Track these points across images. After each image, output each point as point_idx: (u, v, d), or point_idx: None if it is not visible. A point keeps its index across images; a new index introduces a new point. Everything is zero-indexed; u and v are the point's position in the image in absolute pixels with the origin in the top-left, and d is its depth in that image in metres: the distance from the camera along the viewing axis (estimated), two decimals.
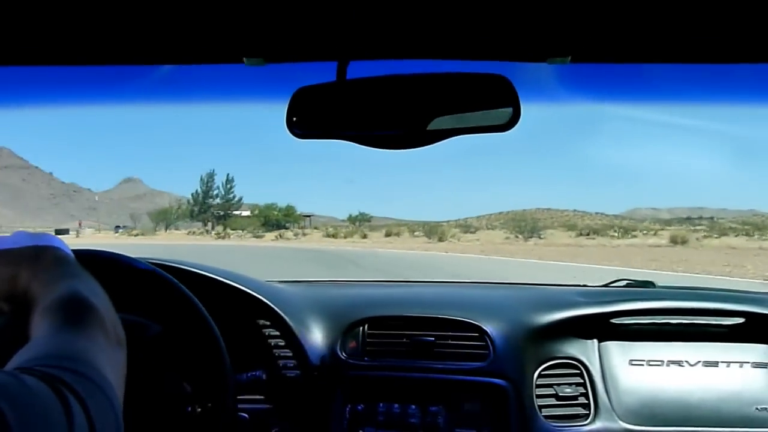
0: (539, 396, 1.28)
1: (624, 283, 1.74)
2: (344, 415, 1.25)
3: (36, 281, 0.58)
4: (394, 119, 0.88)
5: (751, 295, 1.51)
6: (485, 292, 1.73)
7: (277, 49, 0.90)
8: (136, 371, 0.56)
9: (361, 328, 1.34)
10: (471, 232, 41.92)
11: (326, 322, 1.36)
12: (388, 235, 39.47)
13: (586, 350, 1.34)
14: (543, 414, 1.26)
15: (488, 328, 1.32)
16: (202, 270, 1.28)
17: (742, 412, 1.25)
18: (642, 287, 1.69)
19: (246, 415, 1.17)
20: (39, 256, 0.61)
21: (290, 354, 1.27)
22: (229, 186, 62.77)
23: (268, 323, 1.29)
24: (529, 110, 0.89)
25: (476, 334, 1.32)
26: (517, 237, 36.20)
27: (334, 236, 39.38)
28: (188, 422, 0.92)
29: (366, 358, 1.31)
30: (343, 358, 1.30)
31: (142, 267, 0.96)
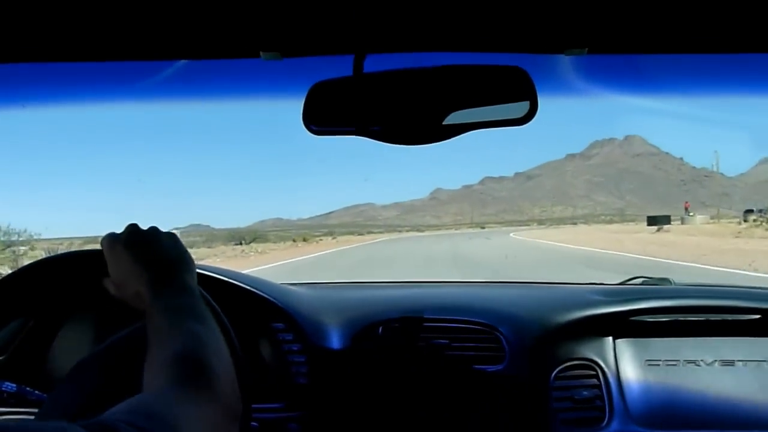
0: (555, 399, 1.26)
1: (641, 280, 1.73)
2: (357, 421, 1.25)
3: (157, 312, 0.59)
4: (411, 113, 0.87)
5: (767, 291, 1.49)
6: (500, 292, 1.72)
7: (293, 43, 0.89)
8: None
9: (374, 332, 1.33)
10: None
11: (340, 326, 1.34)
12: None
13: (602, 351, 1.32)
14: (559, 418, 1.24)
15: (504, 330, 1.30)
16: (213, 272, 1.26)
17: (760, 413, 1.23)
18: (659, 284, 1.67)
19: (256, 424, 1.15)
20: (166, 281, 0.63)
21: (303, 360, 1.25)
22: None
23: (281, 327, 1.27)
24: (545, 102, 0.89)
25: (491, 337, 1.30)
26: None
27: None
28: None
29: (380, 363, 1.29)
30: (356, 362, 1.29)
31: None
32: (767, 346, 1.31)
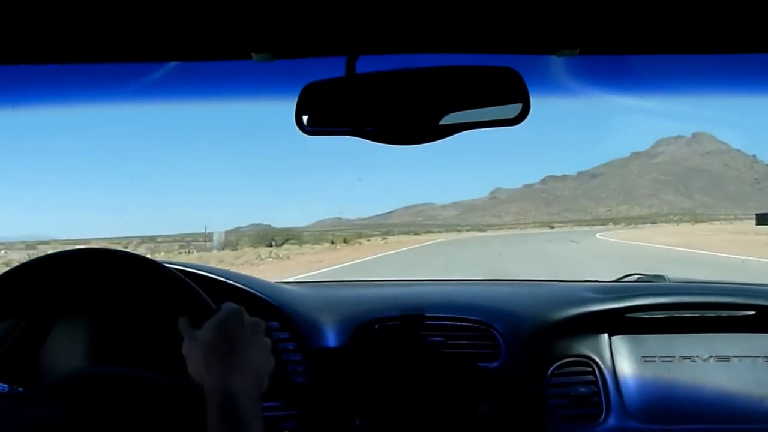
0: (552, 396, 1.27)
1: (635, 277, 1.74)
2: (353, 419, 1.24)
3: (222, 416, 0.65)
4: (403, 114, 0.88)
5: (760, 288, 1.50)
6: (496, 290, 1.72)
7: (285, 44, 0.90)
8: None
9: (370, 330, 1.33)
10: None
11: (335, 324, 1.34)
12: None
13: (598, 347, 1.33)
14: (556, 415, 1.25)
15: (499, 327, 1.31)
16: (209, 272, 1.27)
17: (755, 408, 1.24)
18: (653, 281, 1.68)
19: None
20: (245, 388, 0.67)
21: (299, 358, 1.26)
22: None
23: (276, 325, 1.27)
24: (538, 103, 0.89)
25: (486, 334, 1.31)
26: None
27: None
28: None
29: (376, 361, 1.29)
30: (352, 360, 1.29)
31: (166, 271, 0.95)
32: (761, 342, 1.32)
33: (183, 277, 0.93)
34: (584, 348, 1.33)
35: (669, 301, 1.36)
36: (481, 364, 1.28)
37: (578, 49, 0.92)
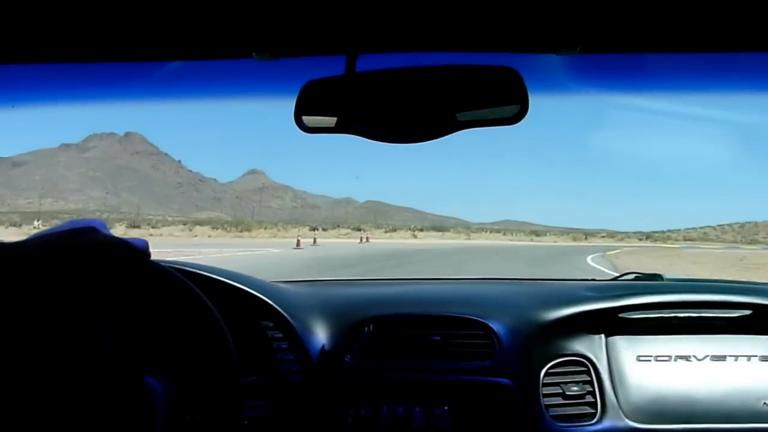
0: (546, 395, 1.26)
1: (632, 276, 1.74)
2: (347, 419, 1.24)
3: None
4: (402, 112, 0.88)
5: (757, 286, 1.50)
6: (492, 288, 1.71)
7: (285, 43, 0.90)
8: None
9: (365, 329, 1.32)
10: None
11: (330, 323, 1.34)
12: None
13: (593, 346, 1.32)
14: (550, 414, 1.24)
15: (495, 326, 1.30)
16: (203, 270, 1.27)
17: (749, 407, 1.24)
18: (650, 280, 1.68)
19: (245, 422, 1.12)
20: None
21: (293, 357, 1.25)
22: None
23: (271, 325, 1.27)
24: (537, 102, 0.89)
25: (482, 332, 1.30)
26: None
27: None
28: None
29: (370, 360, 1.29)
30: (346, 359, 1.28)
31: (160, 267, 0.94)
32: (757, 342, 1.32)
33: (184, 278, 0.93)
34: (580, 347, 1.32)
35: (665, 300, 1.36)
36: (476, 362, 1.27)
37: (578, 48, 0.92)
